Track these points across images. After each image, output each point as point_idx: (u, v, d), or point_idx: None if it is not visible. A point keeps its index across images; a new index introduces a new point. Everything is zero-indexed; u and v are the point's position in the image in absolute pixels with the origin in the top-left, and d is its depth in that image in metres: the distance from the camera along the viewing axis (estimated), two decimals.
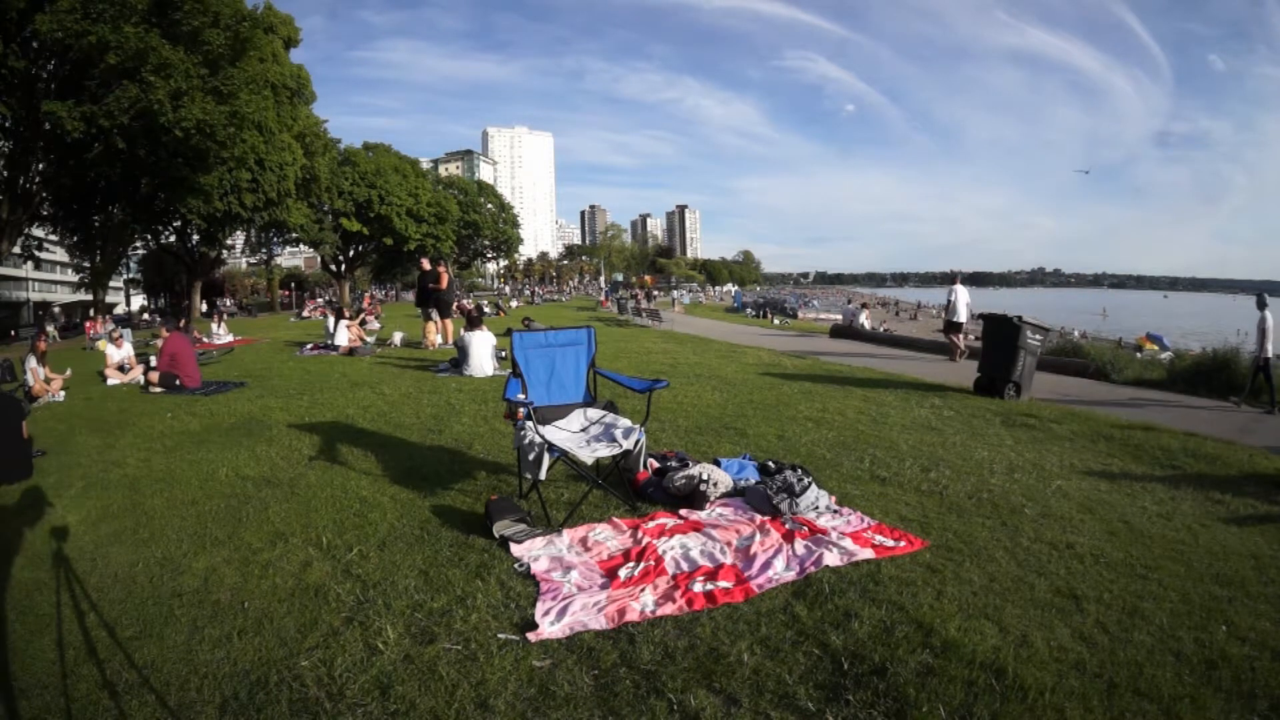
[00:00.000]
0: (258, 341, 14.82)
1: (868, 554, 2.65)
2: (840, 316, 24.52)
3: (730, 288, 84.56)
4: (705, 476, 3.30)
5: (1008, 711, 1.71)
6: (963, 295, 10.97)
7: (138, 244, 33.02)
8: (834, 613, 2.20)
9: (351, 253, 45.50)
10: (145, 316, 36.22)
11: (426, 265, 11.95)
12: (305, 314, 27.37)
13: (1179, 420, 5.86)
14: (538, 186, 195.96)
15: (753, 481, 3.46)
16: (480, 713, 1.72)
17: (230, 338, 15.50)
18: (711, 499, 3.26)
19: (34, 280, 48.75)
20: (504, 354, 8.23)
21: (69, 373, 8.27)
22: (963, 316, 10.84)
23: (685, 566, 2.57)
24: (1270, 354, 7.58)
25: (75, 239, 28.24)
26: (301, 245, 42.73)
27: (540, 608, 2.24)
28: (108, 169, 22.22)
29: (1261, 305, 7.96)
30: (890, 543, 2.78)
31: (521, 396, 3.16)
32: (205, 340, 14.36)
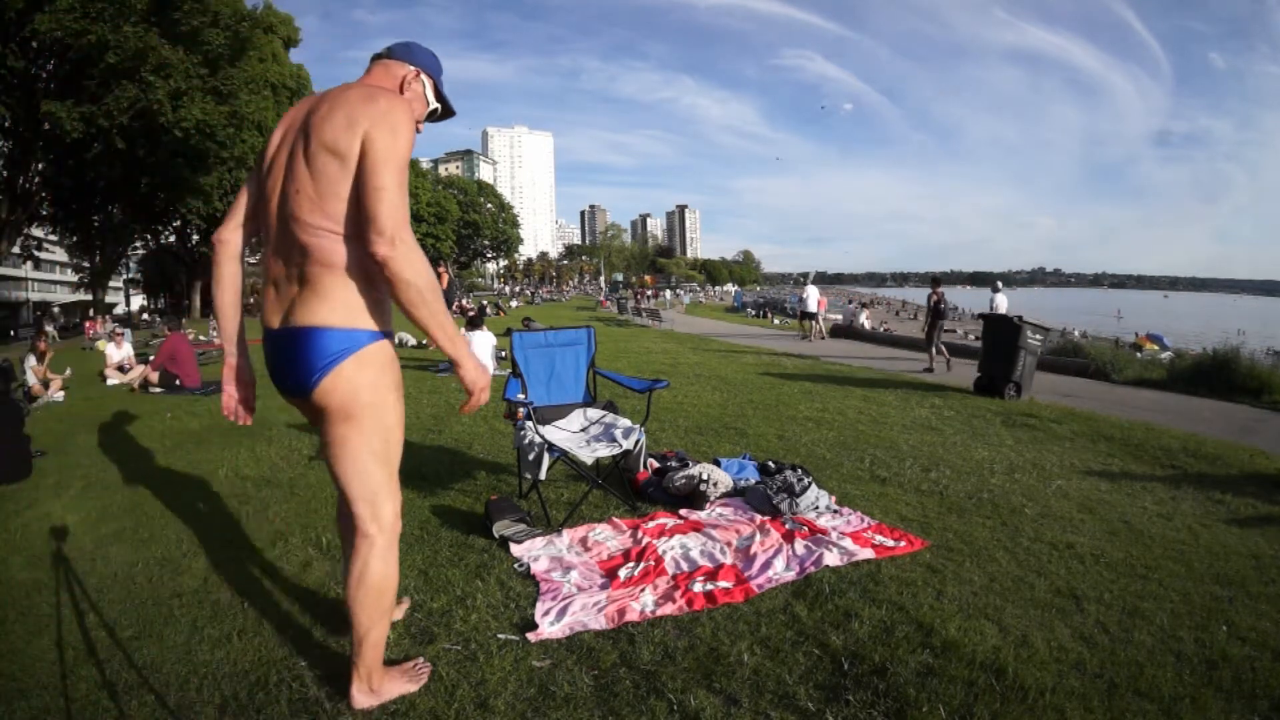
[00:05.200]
0: (258, 341, 14.81)
1: (868, 554, 2.65)
2: (840, 316, 24.54)
3: (730, 287, 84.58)
4: (705, 476, 3.30)
5: (1008, 711, 1.71)
6: (813, 292, 15.85)
7: (137, 244, 33.03)
8: (834, 613, 2.20)
9: None
10: (145, 316, 36.20)
11: None
12: None
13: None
14: (537, 186, 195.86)
15: (753, 481, 3.46)
16: (480, 713, 1.72)
17: None
18: (711, 499, 3.26)
19: (34, 280, 48.73)
20: (504, 354, 8.23)
21: (69, 373, 8.27)
22: (812, 307, 15.71)
23: (685, 566, 2.57)
24: None
25: (75, 239, 28.28)
26: None
27: (540, 608, 2.24)
28: (107, 169, 22.24)
29: (995, 291, 10.97)
30: (890, 543, 2.78)
31: (521, 396, 3.16)
32: (205, 340, 14.36)
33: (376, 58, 1.80)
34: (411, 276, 1.48)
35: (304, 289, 1.56)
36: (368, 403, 1.61)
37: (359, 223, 1.51)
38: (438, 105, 1.87)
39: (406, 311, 1.53)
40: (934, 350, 9.79)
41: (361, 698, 1.72)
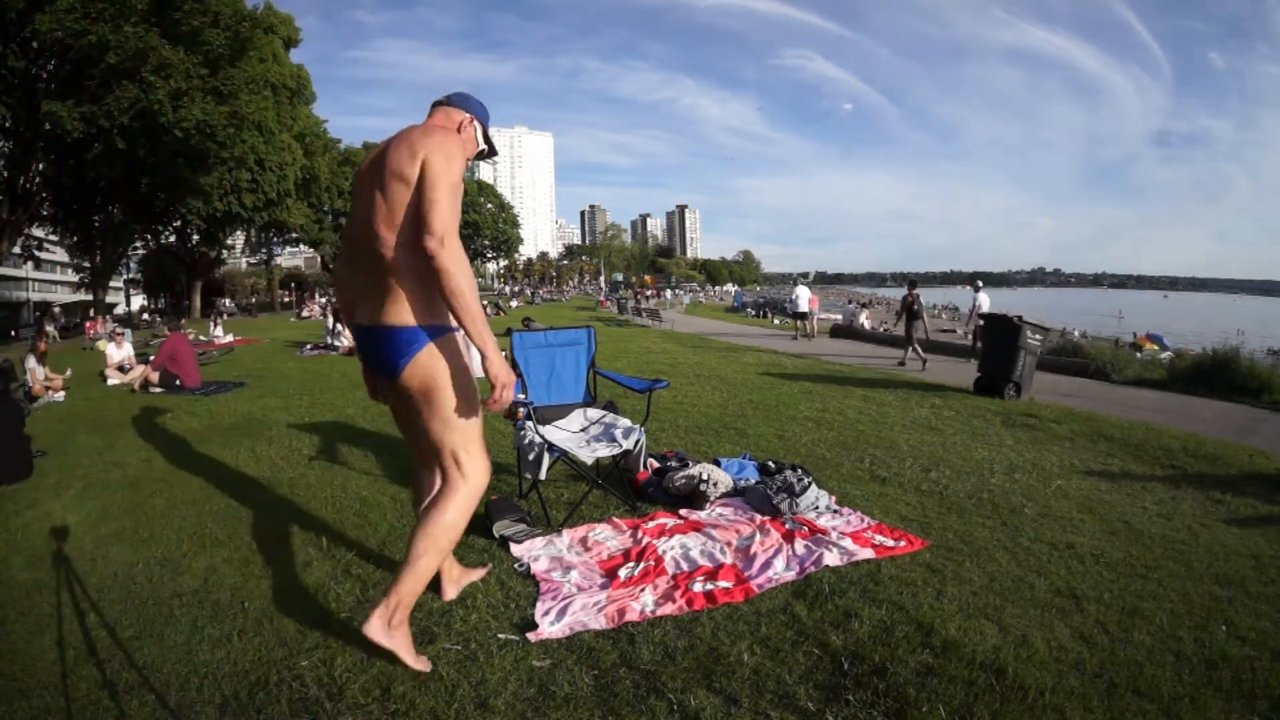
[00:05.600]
0: (258, 341, 14.82)
1: (868, 554, 2.65)
2: (840, 316, 24.59)
3: (730, 287, 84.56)
4: (705, 476, 3.30)
5: (1008, 711, 1.71)
6: (803, 292, 16.57)
7: (138, 244, 32.99)
8: (834, 613, 2.20)
9: None
10: (145, 316, 36.19)
11: None
12: (305, 314, 27.36)
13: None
14: (537, 186, 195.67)
15: (753, 481, 3.46)
16: (480, 713, 1.72)
17: (230, 338, 15.51)
18: (711, 499, 3.26)
19: (34, 280, 48.69)
20: (504, 354, 8.21)
21: (69, 373, 8.27)
22: (803, 307, 16.32)
23: (685, 566, 2.57)
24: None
25: (75, 239, 28.22)
26: (301, 245, 42.74)
27: (540, 608, 2.24)
28: (108, 169, 22.22)
29: (976, 289, 12.22)
30: (890, 543, 2.78)
31: (521, 396, 3.16)
32: (205, 340, 14.37)
33: (437, 104, 2.17)
34: (453, 269, 1.77)
35: (385, 294, 1.90)
36: (444, 384, 1.94)
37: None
38: (485, 147, 2.24)
39: (445, 299, 1.81)
40: (919, 348, 10.39)
41: (377, 625, 1.86)
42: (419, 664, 1.88)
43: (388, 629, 1.86)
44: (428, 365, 1.91)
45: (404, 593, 1.88)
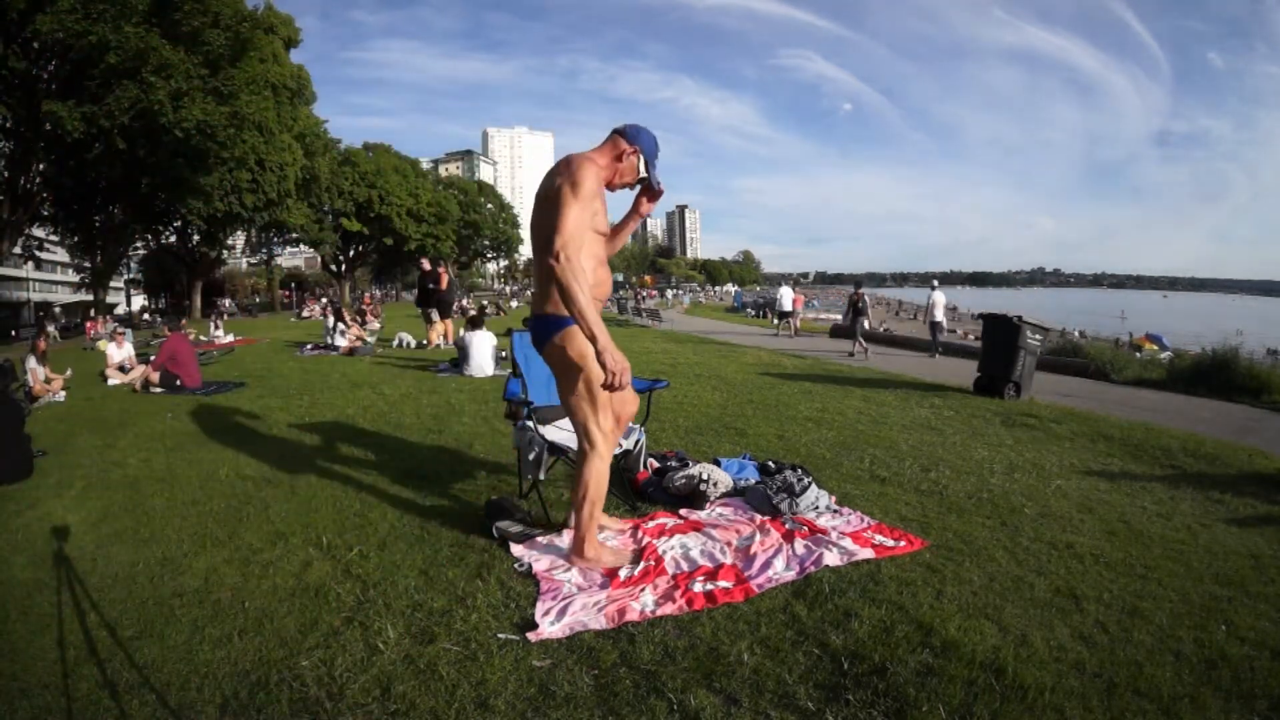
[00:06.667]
0: (258, 341, 14.81)
1: (868, 554, 2.65)
2: (840, 316, 24.62)
3: (730, 288, 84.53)
4: (705, 476, 3.30)
5: (1008, 711, 1.71)
6: (787, 292, 17.85)
7: (138, 244, 32.96)
8: (834, 612, 2.21)
9: (351, 253, 45.49)
10: (146, 317, 36.18)
11: (426, 266, 11.95)
12: (305, 314, 27.37)
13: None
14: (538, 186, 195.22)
15: (753, 481, 3.46)
16: (480, 712, 1.72)
17: (230, 338, 15.51)
18: (711, 499, 3.26)
19: (34, 280, 48.68)
20: (504, 354, 8.23)
21: (69, 373, 8.27)
22: (787, 306, 17.55)
23: (685, 566, 2.57)
24: (940, 319, 12.48)
25: (75, 239, 28.19)
26: (301, 245, 42.74)
27: (540, 607, 2.24)
28: (108, 169, 22.20)
29: (932, 289, 12.96)
30: (890, 542, 2.78)
31: (522, 396, 3.16)
32: (205, 340, 14.37)
33: (615, 131, 2.54)
34: (565, 281, 2.19)
35: (541, 289, 2.43)
36: (572, 363, 2.41)
37: None
38: (646, 177, 2.57)
39: (564, 301, 2.22)
40: (858, 341, 11.89)
41: (576, 559, 2.52)
42: (612, 556, 2.55)
43: (584, 556, 2.50)
44: (561, 347, 2.40)
45: (583, 529, 2.49)
